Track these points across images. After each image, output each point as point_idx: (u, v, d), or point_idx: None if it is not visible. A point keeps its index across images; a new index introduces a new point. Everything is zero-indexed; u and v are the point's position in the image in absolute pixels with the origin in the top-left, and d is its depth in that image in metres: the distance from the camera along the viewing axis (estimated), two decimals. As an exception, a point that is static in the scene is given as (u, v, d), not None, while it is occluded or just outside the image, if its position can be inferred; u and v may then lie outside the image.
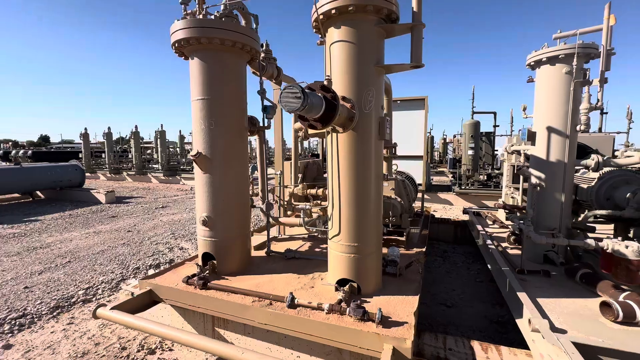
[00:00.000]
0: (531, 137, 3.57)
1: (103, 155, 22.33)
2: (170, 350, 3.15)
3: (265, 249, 3.93)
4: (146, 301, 3.07)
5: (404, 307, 2.57)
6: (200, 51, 3.11)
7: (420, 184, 6.51)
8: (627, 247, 2.62)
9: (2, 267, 5.36)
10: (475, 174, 10.55)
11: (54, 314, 3.85)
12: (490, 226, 5.41)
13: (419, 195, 6.57)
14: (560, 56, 3.29)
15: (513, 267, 3.42)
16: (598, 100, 3.17)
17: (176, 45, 3.09)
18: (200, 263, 3.36)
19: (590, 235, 3.45)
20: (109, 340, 3.31)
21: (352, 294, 2.75)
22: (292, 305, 2.55)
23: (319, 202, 4.44)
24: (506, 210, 4.71)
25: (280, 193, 4.49)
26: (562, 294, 2.87)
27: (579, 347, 2.05)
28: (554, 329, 2.29)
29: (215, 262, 3.30)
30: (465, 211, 6.53)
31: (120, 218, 9.14)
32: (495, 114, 12.15)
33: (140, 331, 2.98)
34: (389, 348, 2.11)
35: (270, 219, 3.84)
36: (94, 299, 4.26)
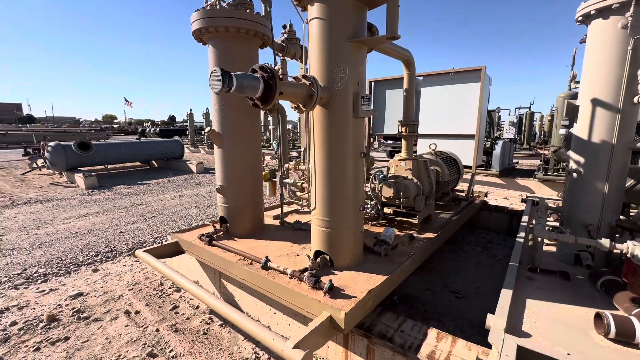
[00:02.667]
0: (572, 111, 2.93)
1: (203, 132, 26.26)
2: (192, 291, 3.88)
3: (280, 219, 4.31)
4: (174, 250, 3.83)
5: (364, 283, 2.61)
6: (213, 38, 3.50)
7: (469, 167, 5.86)
8: (659, 253, 2.05)
9: (113, 216, 7.16)
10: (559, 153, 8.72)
11: (129, 253, 5.07)
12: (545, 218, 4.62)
13: (473, 179, 5.94)
14: (613, 6, 2.55)
15: (529, 263, 2.98)
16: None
17: (195, 34, 3.54)
18: (217, 225, 3.95)
19: (645, 237, 2.72)
20: (155, 276, 4.25)
21: (325, 266, 2.90)
22: (265, 267, 2.86)
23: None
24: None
25: (306, 169, 4.76)
26: (565, 300, 2.43)
27: (528, 354, 1.80)
28: (514, 331, 2.04)
29: (228, 225, 3.84)
30: (525, 200, 5.65)
31: (202, 185, 10.86)
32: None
33: (158, 271, 3.71)
34: (325, 315, 2.25)
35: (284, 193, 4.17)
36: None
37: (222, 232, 3.82)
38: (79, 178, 10.56)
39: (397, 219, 4.13)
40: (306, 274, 2.57)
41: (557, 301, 2.42)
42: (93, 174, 10.67)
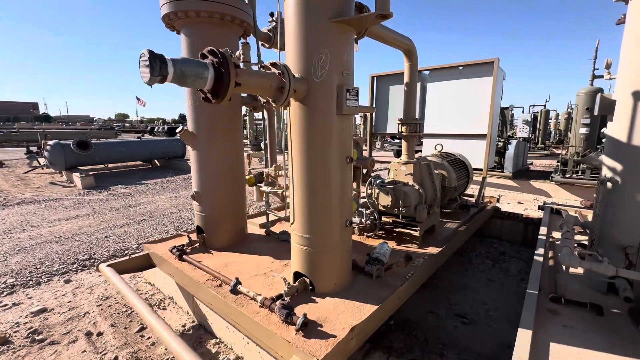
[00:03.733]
0: (606, 107, 2.40)
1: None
2: (164, 309, 3.49)
3: (265, 229, 3.88)
4: (145, 263, 3.44)
5: (348, 316, 2.15)
6: (186, 26, 3.09)
7: (479, 169, 5.32)
8: None
9: (102, 219, 6.87)
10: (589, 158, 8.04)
11: (103, 261, 4.73)
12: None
13: (484, 183, 5.40)
14: (665, -26, 2.02)
15: (550, 291, 2.48)
16: None
17: (164, 19, 3.12)
18: (194, 236, 3.55)
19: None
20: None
21: (305, 291, 2.46)
22: (234, 291, 2.44)
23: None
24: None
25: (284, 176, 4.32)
26: (598, 345, 1.93)
27: None
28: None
29: (204, 235, 3.43)
30: (542, 207, 5.09)
31: (200, 186, 10.53)
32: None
33: (115, 290, 3.32)
34: (294, 362, 1.81)
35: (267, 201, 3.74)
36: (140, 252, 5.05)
37: (197, 244, 3.42)
38: (76, 178, 10.37)
39: (397, 230, 3.65)
40: (278, 303, 2.14)
41: (589, 346, 1.92)
42: (90, 173, 10.46)
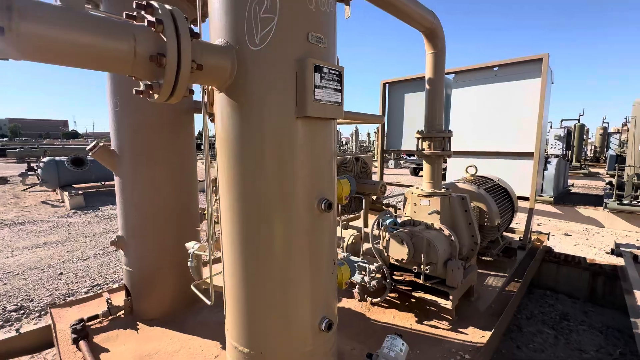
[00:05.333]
0: None
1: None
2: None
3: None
4: (43, 339, 2.37)
5: None
6: (104, -3, 2.13)
7: (524, 198, 4.05)
8: None
9: (70, 248, 5.96)
10: (654, 182, 6.56)
11: (41, 313, 3.71)
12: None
13: (531, 216, 4.11)
14: None
15: None
16: None
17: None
18: (117, 299, 2.47)
19: None
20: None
21: None
22: None
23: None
24: None
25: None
26: None
27: None
28: None
29: (130, 299, 2.35)
30: (617, 251, 3.75)
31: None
32: None
33: None
34: None
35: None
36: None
37: (122, 312, 2.33)
38: (66, 196, 9.69)
39: (416, 294, 2.45)
40: None
41: None
42: (81, 192, 9.76)
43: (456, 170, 4.74)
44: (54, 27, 0.76)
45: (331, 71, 1.13)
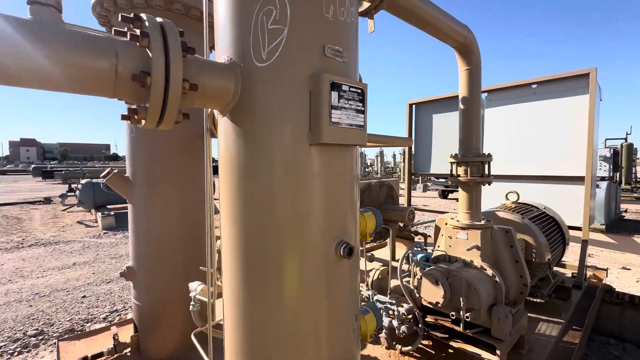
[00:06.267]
0: None
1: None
2: None
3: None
4: (49, 375, 2.25)
5: None
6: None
7: (576, 228, 3.55)
8: None
9: (96, 269, 6.04)
10: None
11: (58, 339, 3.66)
12: None
13: (585, 249, 3.60)
14: None
15: None
16: None
17: (96, 10, 2.12)
18: (124, 335, 2.32)
19: None
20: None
21: None
22: None
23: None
24: None
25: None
26: None
27: None
28: None
29: (137, 336, 2.19)
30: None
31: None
32: None
33: None
34: None
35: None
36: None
37: (128, 350, 2.17)
38: (99, 217, 10.09)
39: (455, 344, 2.09)
40: None
41: None
42: (112, 213, 10.11)
43: (493, 196, 4.32)
44: (18, 44, 0.64)
45: (352, 89, 0.95)
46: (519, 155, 4.19)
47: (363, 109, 0.99)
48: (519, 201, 3.30)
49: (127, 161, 2.16)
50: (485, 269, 2.05)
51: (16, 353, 3.41)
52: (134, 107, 0.78)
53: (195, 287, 1.56)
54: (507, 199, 3.26)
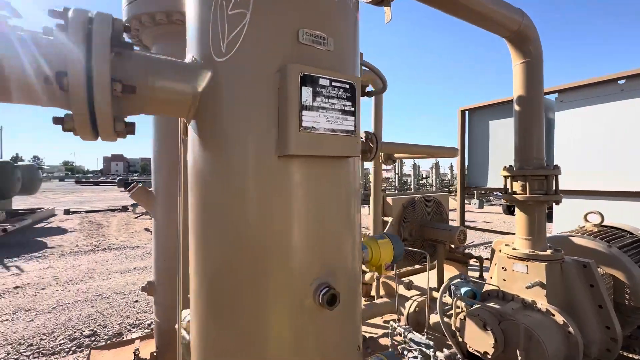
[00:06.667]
0: None
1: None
2: None
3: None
4: (79, 383, 2.31)
5: None
6: (153, 38, 2.18)
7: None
8: None
9: (133, 278, 6.47)
10: None
11: (107, 342, 3.88)
12: None
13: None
14: None
15: None
16: None
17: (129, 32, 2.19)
18: (146, 351, 2.30)
19: None
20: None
21: None
22: None
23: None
24: None
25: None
26: None
27: None
28: None
29: (156, 354, 2.15)
30: None
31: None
32: None
33: None
34: None
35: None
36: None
37: (146, 367, 2.13)
38: (162, 225, 11.01)
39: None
40: None
41: None
42: (173, 222, 10.97)
43: (568, 217, 3.58)
44: None
45: (335, 84, 0.72)
46: (601, 166, 3.43)
47: (353, 109, 0.75)
48: (603, 224, 2.63)
49: (152, 176, 2.19)
50: (554, 315, 1.58)
51: (71, 352, 3.68)
52: (60, 117, 0.66)
53: (185, 317, 1.41)
54: (586, 220, 2.62)
